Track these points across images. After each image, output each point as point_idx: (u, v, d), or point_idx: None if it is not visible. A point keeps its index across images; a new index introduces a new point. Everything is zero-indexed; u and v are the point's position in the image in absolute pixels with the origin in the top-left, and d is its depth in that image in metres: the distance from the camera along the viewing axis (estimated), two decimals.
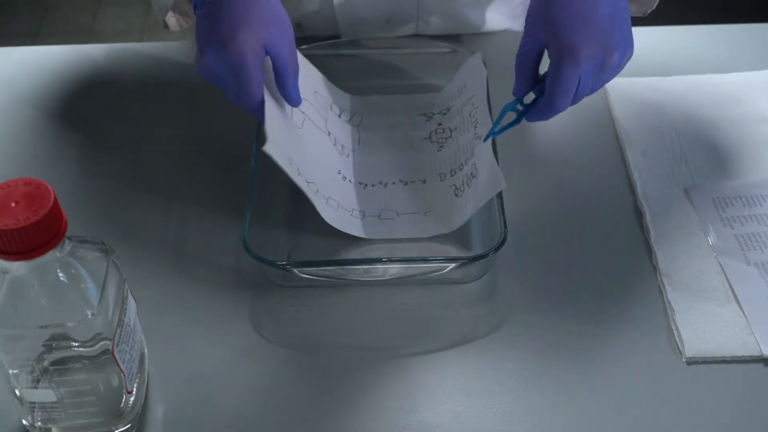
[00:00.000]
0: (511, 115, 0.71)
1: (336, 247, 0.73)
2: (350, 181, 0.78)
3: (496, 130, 0.71)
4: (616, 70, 0.68)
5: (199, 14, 0.70)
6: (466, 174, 0.75)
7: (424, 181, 0.78)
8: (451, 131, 0.81)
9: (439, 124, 0.82)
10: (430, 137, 0.82)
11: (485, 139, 0.72)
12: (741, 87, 0.86)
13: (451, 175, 0.77)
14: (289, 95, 0.72)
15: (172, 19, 0.82)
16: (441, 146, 0.80)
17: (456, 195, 0.75)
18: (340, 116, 0.82)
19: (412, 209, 0.76)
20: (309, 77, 0.79)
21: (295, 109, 0.75)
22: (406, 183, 0.78)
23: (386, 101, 0.85)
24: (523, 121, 0.70)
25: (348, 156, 0.80)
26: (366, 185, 0.78)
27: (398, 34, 0.92)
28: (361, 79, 0.85)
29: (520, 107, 0.71)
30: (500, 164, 0.72)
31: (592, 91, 0.69)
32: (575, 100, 0.68)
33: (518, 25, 0.95)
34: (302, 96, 0.74)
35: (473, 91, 0.79)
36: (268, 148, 0.66)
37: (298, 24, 0.91)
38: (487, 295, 0.70)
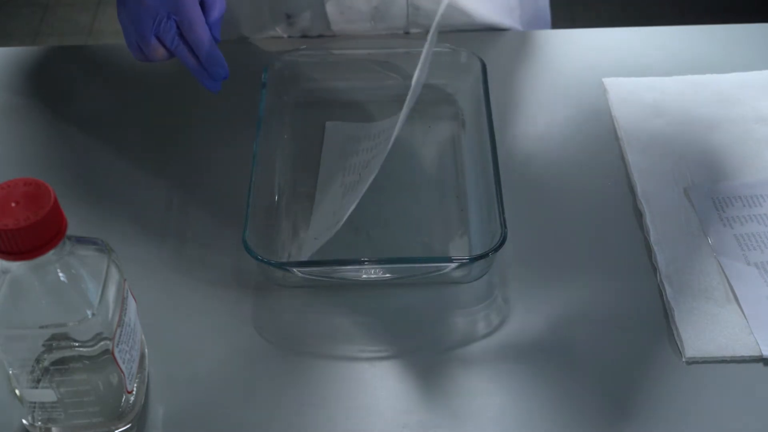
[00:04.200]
0: None
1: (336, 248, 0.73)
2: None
3: None
4: None
5: None
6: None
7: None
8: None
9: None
10: None
11: None
12: (741, 87, 0.86)
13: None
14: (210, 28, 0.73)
15: None
16: None
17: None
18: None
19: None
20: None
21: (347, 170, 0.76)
22: None
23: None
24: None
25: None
26: None
27: (389, 23, 0.91)
28: (356, 80, 0.85)
29: None
30: (500, 164, 0.72)
31: None
32: None
33: (514, 19, 0.95)
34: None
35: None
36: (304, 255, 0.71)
37: (288, 16, 0.91)
38: (487, 295, 0.70)
